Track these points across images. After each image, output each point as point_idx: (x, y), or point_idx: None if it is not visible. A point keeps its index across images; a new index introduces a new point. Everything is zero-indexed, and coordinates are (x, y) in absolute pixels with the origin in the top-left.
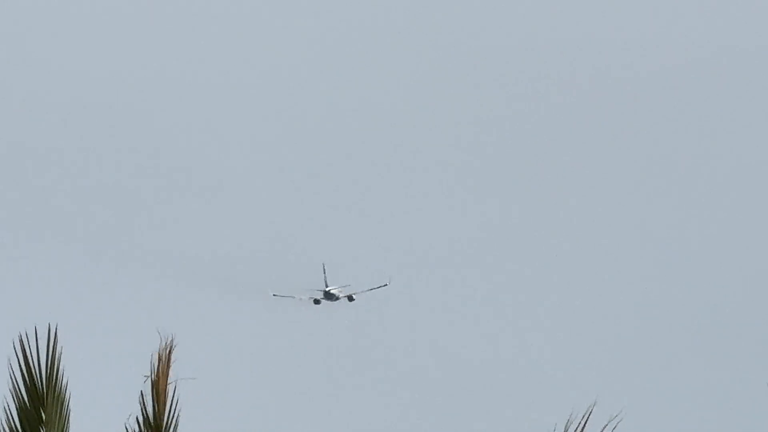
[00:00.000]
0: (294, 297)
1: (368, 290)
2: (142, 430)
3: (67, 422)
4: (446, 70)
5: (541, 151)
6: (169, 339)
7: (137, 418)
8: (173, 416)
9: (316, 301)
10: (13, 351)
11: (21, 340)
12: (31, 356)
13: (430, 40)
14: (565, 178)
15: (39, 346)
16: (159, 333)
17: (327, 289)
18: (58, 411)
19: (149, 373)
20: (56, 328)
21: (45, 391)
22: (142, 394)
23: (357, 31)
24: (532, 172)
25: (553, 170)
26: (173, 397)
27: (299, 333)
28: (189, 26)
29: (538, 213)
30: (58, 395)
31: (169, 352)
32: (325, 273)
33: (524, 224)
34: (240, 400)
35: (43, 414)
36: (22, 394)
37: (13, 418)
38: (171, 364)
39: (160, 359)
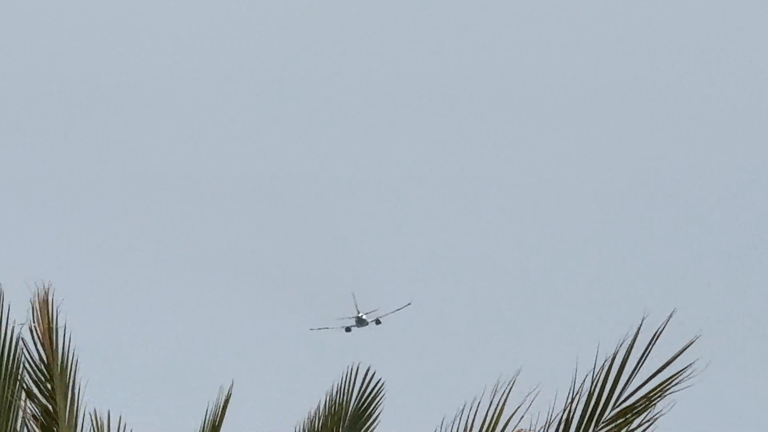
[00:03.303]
0: (329, 328)
1: (393, 312)
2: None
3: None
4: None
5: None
6: (46, 285)
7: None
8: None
9: (347, 329)
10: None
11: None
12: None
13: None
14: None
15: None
16: (35, 284)
17: (359, 315)
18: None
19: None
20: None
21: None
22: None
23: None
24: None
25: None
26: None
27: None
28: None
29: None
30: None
31: (46, 295)
32: (355, 300)
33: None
34: None
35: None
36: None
37: None
38: (50, 308)
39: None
